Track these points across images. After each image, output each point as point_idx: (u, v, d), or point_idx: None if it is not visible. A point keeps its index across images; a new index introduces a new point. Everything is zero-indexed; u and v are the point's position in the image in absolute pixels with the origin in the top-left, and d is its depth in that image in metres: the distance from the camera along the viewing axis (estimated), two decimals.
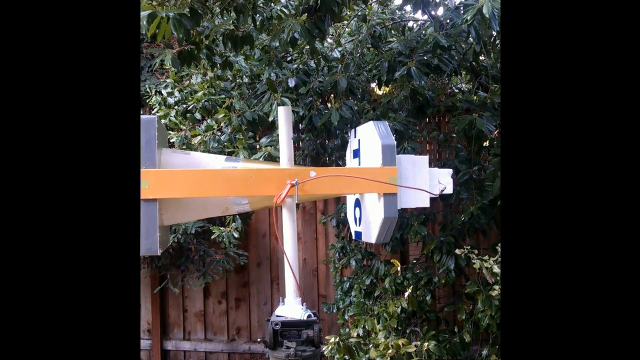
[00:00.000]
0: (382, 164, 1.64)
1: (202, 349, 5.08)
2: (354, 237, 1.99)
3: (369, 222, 1.77)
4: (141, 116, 1.55)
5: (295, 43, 1.98)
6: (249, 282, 5.06)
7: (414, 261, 3.30)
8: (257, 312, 5.07)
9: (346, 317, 3.33)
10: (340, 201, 3.96)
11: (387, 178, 1.63)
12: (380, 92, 3.78)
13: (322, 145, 2.97)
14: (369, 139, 1.75)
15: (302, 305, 1.63)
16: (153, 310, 5.09)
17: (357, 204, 1.91)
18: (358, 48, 2.35)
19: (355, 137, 1.92)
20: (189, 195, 1.57)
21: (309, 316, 1.59)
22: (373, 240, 1.72)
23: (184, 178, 1.55)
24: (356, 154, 1.91)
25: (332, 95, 3.25)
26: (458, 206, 3.19)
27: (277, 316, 1.62)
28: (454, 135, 3.23)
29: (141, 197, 1.52)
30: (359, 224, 1.89)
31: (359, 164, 1.86)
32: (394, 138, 1.70)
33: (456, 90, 3.63)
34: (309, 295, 4.94)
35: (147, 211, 1.52)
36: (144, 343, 5.17)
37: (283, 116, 1.64)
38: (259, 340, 4.53)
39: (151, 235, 1.52)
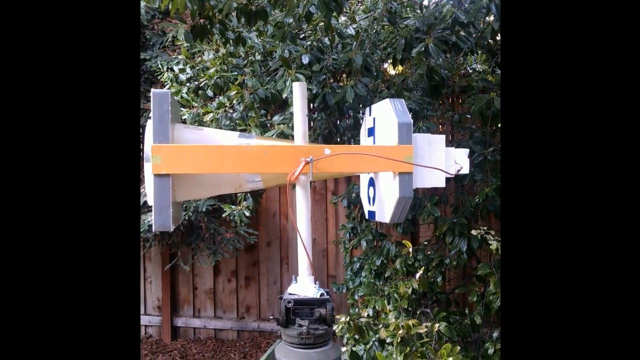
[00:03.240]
0: (398, 142, 1.61)
1: (212, 326, 5.14)
2: (367, 217, 1.97)
3: (383, 201, 1.75)
4: (154, 90, 1.53)
5: (311, 18, 1.93)
6: (259, 261, 5.09)
7: (425, 242, 3.28)
8: (267, 291, 5.10)
9: (356, 297, 3.34)
10: (351, 181, 3.94)
11: (403, 157, 1.60)
12: (392, 72, 3.72)
13: (335, 124, 2.93)
14: (385, 117, 1.72)
15: (315, 283, 1.62)
16: (163, 288, 5.15)
17: (371, 183, 1.88)
18: (374, 24, 2.29)
19: (370, 115, 1.89)
20: (202, 172, 1.55)
21: (321, 295, 1.58)
22: (387, 220, 1.70)
23: (198, 154, 1.52)
24: (371, 132, 1.88)
25: (344, 73, 3.19)
26: (471, 188, 3.16)
27: (290, 294, 1.60)
28: (468, 116, 3.18)
29: (154, 173, 1.50)
30: (373, 204, 1.87)
31: (374, 143, 1.83)
32: (410, 116, 1.66)
33: (470, 71, 3.56)
34: (318, 276, 4.95)
35: (160, 187, 1.50)
36: (154, 319, 5.23)
37: (298, 92, 1.61)
38: (270, 318, 4.56)
39: (164, 211, 1.50)
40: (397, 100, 1.70)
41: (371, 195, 1.89)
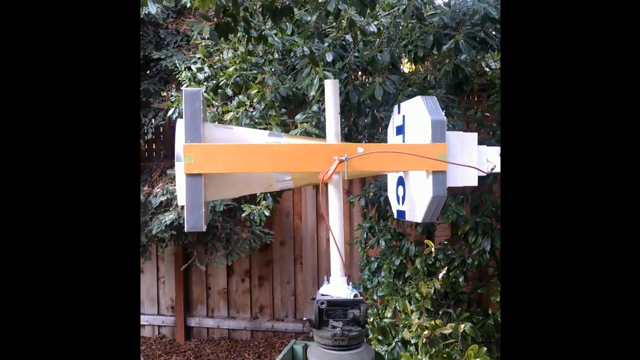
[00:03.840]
0: (431, 140, 1.58)
1: (226, 326, 5.13)
2: (395, 216, 1.94)
3: (415, 200, 1.72)
4: (185, 89, 1.51)
5: (339, 14, 1.90)
6: (272, 261, 5.07)
7: (445, 242, 3.25)
8: (280, 291, 5.08)
9: (375, 298, 3.31)
10: (366, 181, 3.91)
11: (437, 155, 1.57)
12: (406, 70, 3.67)
13: (354, 123, 2.91)
14: (416, 115, 1.69)
15: (349, 284, 1.59)
16: (177, 288, 5.14)
17: (400, 182, 1.85)
18: (400, 20, 2.26)
19: (399, 113, 1.86)
20: (234, 171, 1.53)
21: (355, 295, 1.56)
22: (419, 219, 1.67)
23: (229, 153, 1.50)
24: (400, 130, 1.85)
25: (360, 72, 3.15)
26: (492, 187, 3.12)
27: (322, 295, 1.58)
28: (488, 114, 3.14)
29: (186, 172, 1.48)
30: (403, 203, 1.84)
31: (403, 141, 1.80)
32: (443, 114, 1.63)
33: (486, 69, 3.52)
34: None
35: (192, 186, 1.48)
36: (168, 319, 5.22)
37: (330, 89, 1.58)
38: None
39: (197, 211, 1.48)
40: (429, 98, 1.67)
41: (400, 195, 1.87)
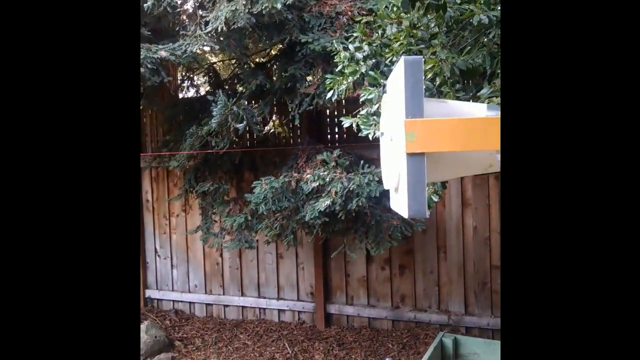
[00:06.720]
0: None
1: (366, 314, 5.04)
2: None
3: None
4: (405, 57, 1.35)
5: None
6: (414, 250, 4.87)
7: None
8: (423, 281, 4.87)
9: None
10: None
11: None
12: None
13: None
14: None
15: None
16: (316, 274, 5.14)
17: None
18: None
19: None
20: (461, 149, 1.34)
21: None
22: None
23: (456, 128, 1.32)
24: None
25: None
26: None
27: None
28: None
29: (407, 151, 1.32)
30: None
31: None
32: None
33: None
34: (480, 266, 4.63)
35: (415, 167, 1.32)
36: (308, 305, 5.25)
37: None
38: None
39: (419, 195, 1.31)
40: None
41: None
